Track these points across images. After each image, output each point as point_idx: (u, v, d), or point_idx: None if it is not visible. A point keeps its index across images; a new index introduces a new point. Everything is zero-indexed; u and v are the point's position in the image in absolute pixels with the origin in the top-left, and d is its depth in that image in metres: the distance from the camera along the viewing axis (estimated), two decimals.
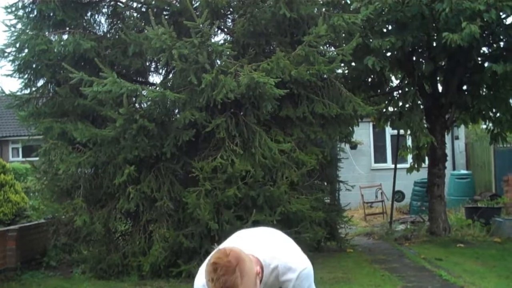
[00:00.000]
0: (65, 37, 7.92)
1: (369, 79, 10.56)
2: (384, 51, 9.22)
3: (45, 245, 8.57)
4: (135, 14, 8.41)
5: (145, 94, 7.24)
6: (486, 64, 9.66)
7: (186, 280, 7.21)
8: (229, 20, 8.66)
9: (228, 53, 7.26)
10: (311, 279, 2.34)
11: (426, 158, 10.87)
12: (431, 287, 6.72)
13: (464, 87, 10.61)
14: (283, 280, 2.29)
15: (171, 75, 8.31)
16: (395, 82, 11.70)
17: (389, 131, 15.45)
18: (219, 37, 8.66)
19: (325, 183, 9.42)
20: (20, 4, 8.12)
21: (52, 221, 8.22)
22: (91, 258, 7.88)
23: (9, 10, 8.05)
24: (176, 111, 7.75)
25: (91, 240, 7.97)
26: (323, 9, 8.07)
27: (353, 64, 9.26)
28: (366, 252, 9.26)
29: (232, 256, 2.04)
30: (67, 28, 8.02)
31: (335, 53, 7.74)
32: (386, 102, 10.93)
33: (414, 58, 10.33)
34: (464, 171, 15.40)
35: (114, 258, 7.61)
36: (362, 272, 7.67)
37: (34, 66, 7.98)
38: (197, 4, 7.68)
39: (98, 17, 8.80)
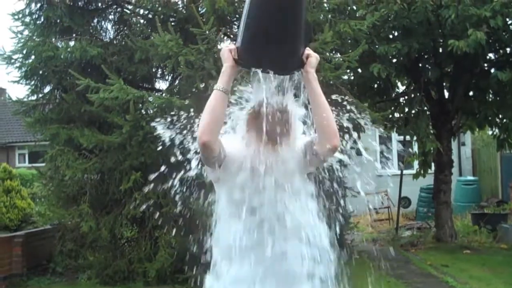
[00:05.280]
0: (71, 43, 7.96)
1: (375, 85, 10.55)
2: (390, 57, 9.22)
3: (51, 251, 8.56)
4: (141, 21, 8.45)
5: (151, 100, 7.24)
6: (492, 70, 9.64)
7: (192, 286, 7.20)
8: (235, 27, 8.67)
9: None
10: None
11: (432, 164, 10.83)
12: None
13: (471, 93, 10.59)
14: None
15: (177, 82, 8.33)
16: (401, 88, 11.69)
17: (395, 137, 15.40)
18: (225, 44, 8.66)
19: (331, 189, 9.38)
20: (27, 11, 8.16)
21: (58, 227, 8.23)
22: (97, 264, 7.89)
23: (16, 16, 8.10)
24: None
25: (97, 246, 7.97)
26: (329, 16, 8.04)
27: (359, 70, 9.25)
28: (372, 258, 9.22)
29: None
30: (74, 35, 8.06)
31: (341, 59, 7.72)
32: (392, 108, 10.92)
33: (420, 64, 10.32)
34: (470, 177, 15.35)
35: (120, 264, 7.62)
36: (368, 278, 7.63)
37: (40, 72, 8.02)
38: (203, 11, 7.69)
39: (104, 23, 8.85)
